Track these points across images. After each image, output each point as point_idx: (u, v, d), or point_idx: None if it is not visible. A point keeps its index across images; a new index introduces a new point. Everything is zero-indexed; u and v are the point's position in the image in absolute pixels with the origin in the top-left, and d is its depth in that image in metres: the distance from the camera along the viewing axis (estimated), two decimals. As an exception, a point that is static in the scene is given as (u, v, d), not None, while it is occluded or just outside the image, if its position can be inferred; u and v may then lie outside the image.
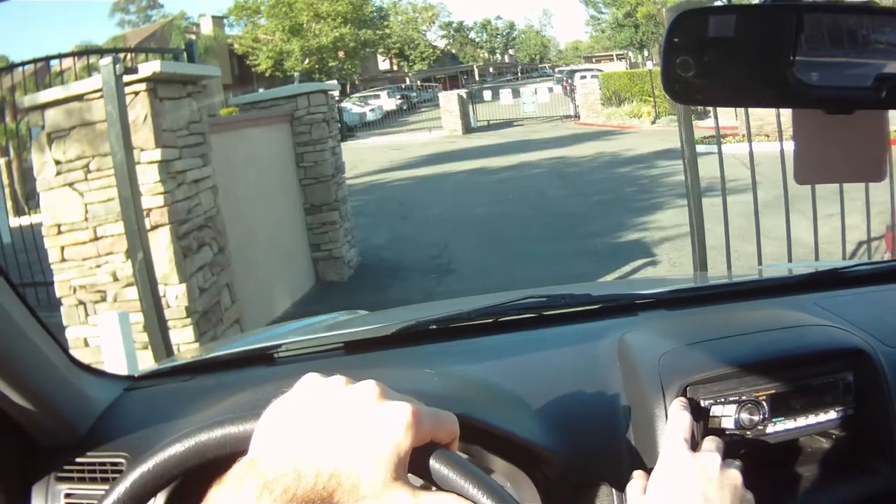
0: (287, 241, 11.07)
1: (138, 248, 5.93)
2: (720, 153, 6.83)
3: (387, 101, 53.44)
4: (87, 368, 1.88)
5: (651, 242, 12.17)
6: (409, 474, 0.85)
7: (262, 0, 49.57)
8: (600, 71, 50.79)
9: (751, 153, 6.75)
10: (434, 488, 0.88)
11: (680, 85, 1.07)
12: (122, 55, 6.71)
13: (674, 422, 1.37)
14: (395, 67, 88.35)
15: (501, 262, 12.11)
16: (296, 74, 46.11)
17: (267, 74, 47.11)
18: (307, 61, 48.01)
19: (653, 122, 32.31)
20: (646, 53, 69.04)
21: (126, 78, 6.33)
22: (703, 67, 1.05)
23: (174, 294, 6.93)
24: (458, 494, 0.86)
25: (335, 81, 40.43)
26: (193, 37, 43.21)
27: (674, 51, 1.06)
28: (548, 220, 14.98)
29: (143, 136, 6.74)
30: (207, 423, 1.07)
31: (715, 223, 12.53)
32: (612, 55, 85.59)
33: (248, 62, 49.80)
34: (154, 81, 6.83)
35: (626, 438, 1.50)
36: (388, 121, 47.01)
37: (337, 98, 40.55)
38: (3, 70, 9.82)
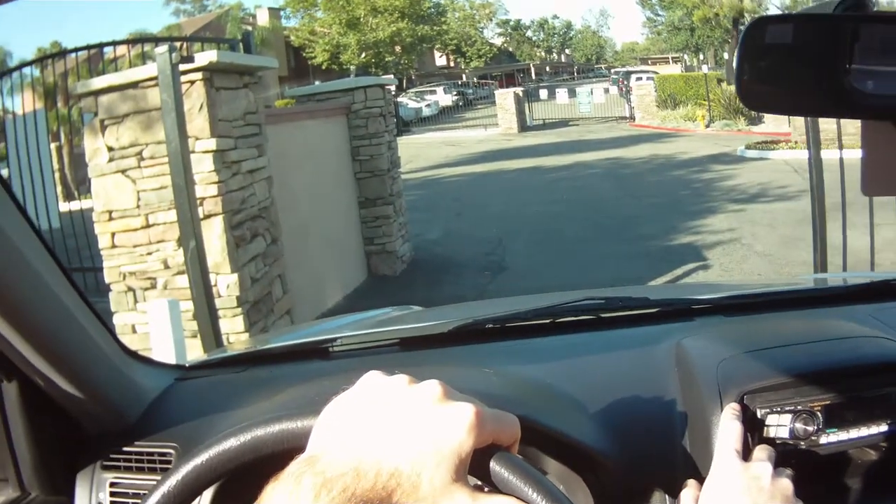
0: (340, 234, 11.01)
1: (191, 236, 5.90)
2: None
3: (443, 97, 53.08)
4: (138, 357, 1.87)
5: (703, 246, 12.02)
6: (468, 476, 0.84)
7: None
8: (655, 73, 50.67)
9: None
10: (492, 490, 0.87)
11: (751, 91, 1.05)
12: (177, 44, 6.63)
13: (726, 430, 1.36)
14: (452, 64, 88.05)
15: (554, 261, 12.03)
16: (352, 68, 46.03)
17: (323, 67, 47.10)
18: (364, 55, 47.86)
19: (706, 126, 32.11)
20: (701, 57, 68.74)
21: (182, 67, 6.29)
22: (772, 74, 1.04)
23: (225, 283, 6.89)
24: (518, 498, 0.86)
25: (392, 76, 40.51)
26: (250, 28, 43.36)
27: (746, 57, 1.04)
28: (601, 221, 14.85)
29: (198, 125, 6.71)
30: (264, 417, 1.07)
31: (765, 229, 12.71)
32: (667, 58, 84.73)
33: (304, 55, 49.73)
34: (210, 71, 6.79)
35: (681, 446, 1.48)
36: (443, 117, 46.91)
37: (393, 93, 40.57)
38: (55, 56, 9.81)
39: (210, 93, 6.77)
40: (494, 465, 0.87)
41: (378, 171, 11.72)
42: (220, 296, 6.80)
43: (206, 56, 6.71)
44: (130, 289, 7.05)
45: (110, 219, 7.03)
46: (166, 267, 6.94)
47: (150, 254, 6.97)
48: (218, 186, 6.78)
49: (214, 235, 6.77)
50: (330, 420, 0.88)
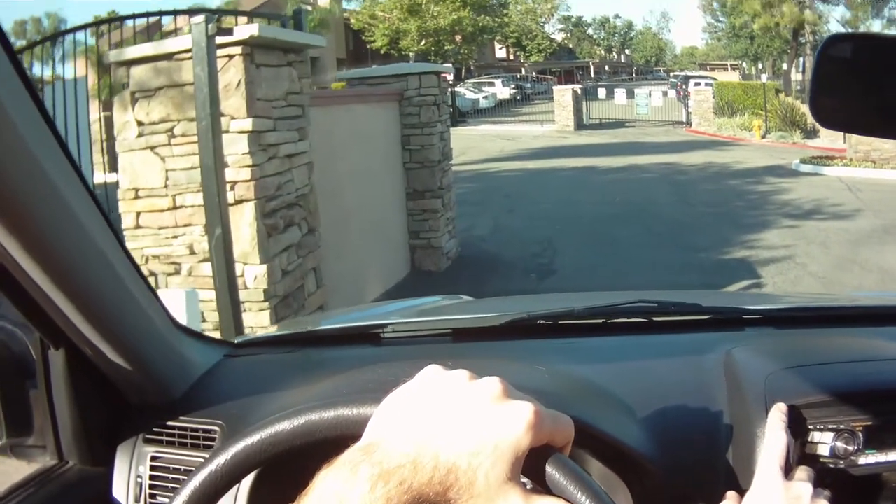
0: (385, 225, 10.58)
1: (217, 222, 5.53)
2: None
3: (501, 90, 52.64)
4: (187, 331, 1.86)
5: (757, 263, 11.63)
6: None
7: None
8: (714, 79, 50.05)
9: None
10: (544, 491, 0.86)
11: (824, 107, 1.07)
12: (217, 17, 6.15)
13: (770, 444, 1.34)
14: (512, 57, 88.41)
15: (604, 267, 11.68)
16: (411, 55, 45.93)
17: (382, 52, 46.98)
18: (423, 42, 47.92)
19: (762, 137, 31.59)
20: (760, 66, 68.91)
21: (220, 40, 5.87)
22: (845, 93, 1.05)
23: (253, 275, 6.41)
24: (570, 502, 0.85)
25: (450, 65, 40.44)
26: (309, 7, 43.22)
27: (821, 74, 1.06)
28: (654, 227, 14.48)
29: (234, 103, 6.22)
30: (319, 402, 1.09)
31: (818, 248, 12.41)
32: (726, 64, 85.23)
33: (363, 38, 49.74)
34: (251, 46, 6.29)
35: (724, 457, 1.48)
36: (500, 109, 46.21)
37: (451, 82, 40.78)
38: (110, 21, 9.41)
39: (249, 69, 6.26)
40: (549, 468, 0.86)
41: (428, 163, 11.25)
42: (246, 287, 6.35)
43: (247, 30, 6.21)
44: (153, 273, 6.59)
45: (136, 197, 6.59)
46: (192, 252, 6.49)
47: (175, 237, 6.53)
48: (251, 170, 6.28)
49: (245, 222, 6.30)
50: (389, 410, 0.88)
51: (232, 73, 6.20)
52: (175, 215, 6.50)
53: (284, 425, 1.07)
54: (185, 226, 6.46)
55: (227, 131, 6.09)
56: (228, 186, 5.98)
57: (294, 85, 7.00)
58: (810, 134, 30.27)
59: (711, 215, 15.72)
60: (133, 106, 6.49)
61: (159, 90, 6.41)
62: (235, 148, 6.20)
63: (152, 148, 6.50)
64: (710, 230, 14.12)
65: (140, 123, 6.49)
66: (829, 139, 27.40)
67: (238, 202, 6.26)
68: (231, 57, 6.20)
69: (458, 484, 0.77)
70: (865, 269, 11.03)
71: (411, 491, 0.75)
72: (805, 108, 30.32)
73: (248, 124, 6.24)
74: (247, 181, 6.27)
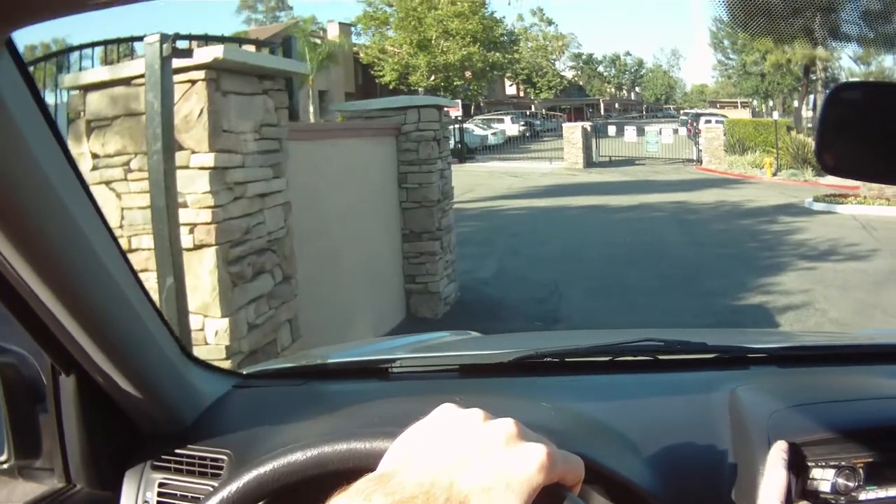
0: (378, 269, 9.84)
1: (169, 271, 4.95)
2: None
3: (510, 127, 52.48)
4: (197, 361, 1.91)
5: (775, 309, 11.02)
6: None
7: (392, 12, 49.99)
8: (725, 117, 50.75)
9: None
10: None
11: (830, 154, 1.09)
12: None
13: (771, 481, 1.38)
14: (522, 94, 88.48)
15: (613, 315, 10.98)
16: (420, 90, 45.90)
17: (391, 87, 46.98)
18: (433, 78, 48.20)
19: (773, 175, 31.44)
20: (770, 103, 69.55)
21: (179, 63, 5.14)
22: (852, 140, 1.07)
23: (214, 329, 5.65)
24: None
25: (458, 100, 40.21)
26: (318, 41, 43.18)
27: (828, 122, 1.08)
28: (665, 270, 13.89)
29: (196, 135, 5.49)
30: (332, 435, 1.17)
31: (837, 292, 11.78)
32: (736, 102, 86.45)
33: (372, 73, 49.90)
34: (217, 70, 5.55)
35: (728, 495, 1.49)
36: (509, 146, 46.01)
37: (459, 118, 40.65)
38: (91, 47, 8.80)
39: (213, 96, 5.51)
40: None
41: (426, 202, 10.51)
42: (206, 343, 5.60)
43: (210, 51, 5.48)
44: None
45: (89, 238, 5.81)
46: (148, 302, 5.69)
47: (131, 284, 5.73)
48: (213, 212, 5.51)
49: (205, 270, 5.55)
50: (404, 443, 0.92)
51: (194, 100, 5.47)
52: (132, 259, 5.67)
53: (297, 456, 1.14)
54: (142, 271, 5.63)
55: (186, 167, 5.40)
56: (187, 230, 5.33)
57: (269, 116, 6.26)
58: (822, 172, 29.27)
59: (725, 257, 15.26)
60: (88, 136, 5.79)
61: (115, 119, 5.70)
62: (195, 186, 5.47)
63: (107, 183, 5.77)
64: (724, 273, 13.63)
65: (95, 156, 5.79)
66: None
67: (198, 247, 5.53)
68: (193, 83, 5.48)
69: None
70: (888, 313, 10.65)
71: None
72: (817, 145, 30.68)
73: (209, 159, 5.49)
74: (207, 224, 5.50)
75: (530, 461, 0.85)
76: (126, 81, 5.62)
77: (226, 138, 5.65)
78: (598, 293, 12.36)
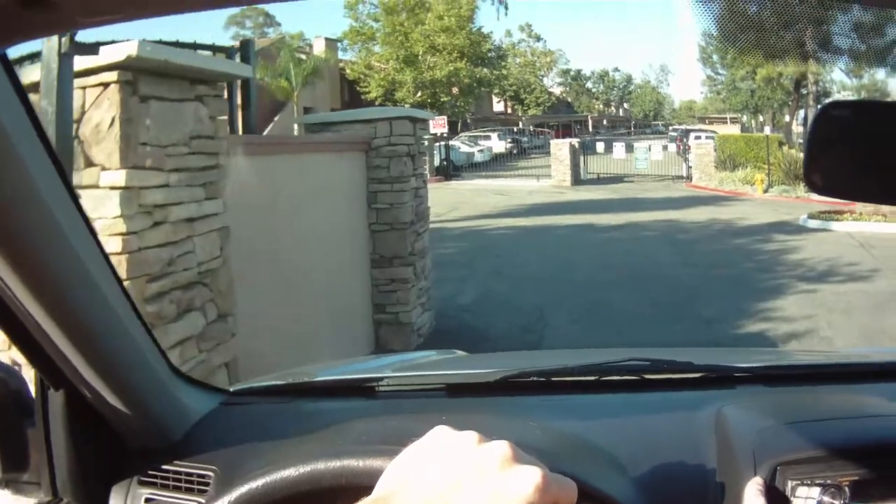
0: (343, 298, 8.99)
1: None
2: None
3: (497, 144, 52.51)
4: (185, 377, 1.90)
5: (777, 337, 10.43)
6: None
7: (378, 27, 49.76)
8: (714, 132, 50.49)
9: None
10: None
11: (817, 173, 1.10)
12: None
13: None
14: (509, 110, 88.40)
15: (602, 345, 10.13)
16: (406, 106, 45.08)
17: (377, 103, 46.21)
18: (419, 94, 48.16)
19: (765, 191, 31.36)
20: (760, 118, 70.12)
21: (85, 64, 4.26)
22: (843, 159, 1.07)
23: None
24: None
25: (444, 117, 39.81)
26: (304, 56, 42.74)
27: (815, 139, 1.09)
28: (658, 296, 13.17)
29: (106, 148, 4.58)
30: (320, 453, 1.26)
31: (841, 317, 10.98)
32: (725, 118, 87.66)
33: (359, 89, 49.47)
34: (133, 71, 4.64)
35: None
36: (496, 163, 45.82)
37: (445, 134, 40.11)
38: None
39: (128, 102, 4.59)
40: None
41: (398, 224, 9.66)
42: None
43: (122, 49, 4.51)
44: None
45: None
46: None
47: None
48: (124, 240, 4.57)
49: (116, 309, 4.59)
50: (400, 466, 0.93)
51: (105, 107, 4.56)
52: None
53: (290, 472, 1.19)
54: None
55: (96, 186, 4.53)
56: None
57: (203, 126, 5.35)
58: None
59: (719, 279, 14.71)
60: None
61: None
62: (104, 210, 4.54)
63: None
64: (720, 298, 12.97)
65: None
66: (834, 193, 26.99)
67: (107, 282, 4.55)
68: (105, 86, 4.58)
69: None
70: (891, 337, 10.24)
71: None
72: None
73: (120, 178, 4.57)
74: (118, 254, 4.56)
75: (525, 483, 0.86)
76: (34, 88, 4.67)
77: (143, 153, 4.76)
78: (585, 321, 11.72)
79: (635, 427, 1.80)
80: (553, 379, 2.09)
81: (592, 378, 2.10)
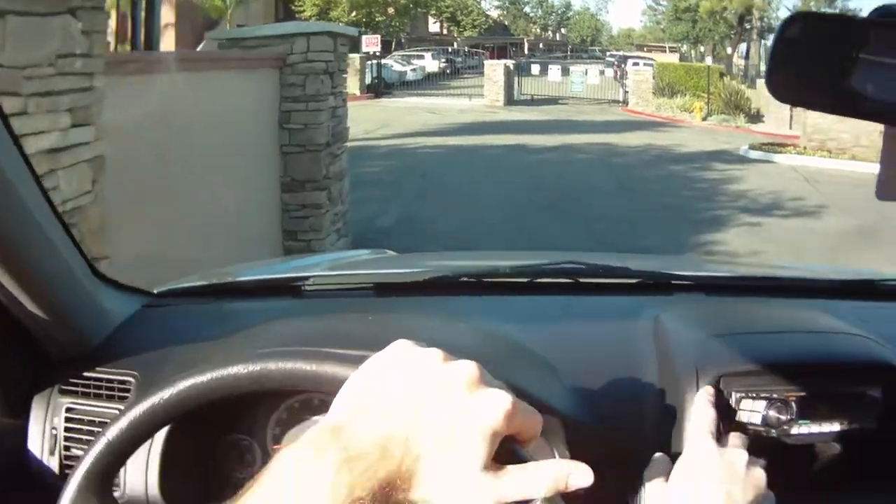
0: (251, 225, 8.56)
1: None
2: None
3: (430, 63, 52.19)
4: (106, 279, 1.83)
5: None
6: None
7: None
8: (654, 60, 50.74)
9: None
10: None
11: (777, 82, 1.06)
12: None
13: (700, 413, 1.36)
14: (445, 31, 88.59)
15: None
16: (341, 24, 44.52)
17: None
18: (354, 13, 47.21)
19: (703, 119, 31.58)
20: (701, 49, 70.30)
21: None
22: (795, 69, 1.05)
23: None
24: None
25: (378, 36, 39.36)
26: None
27: (777, 50, 1.06)
28: (593, 224, 12.77)
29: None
30: (243, 355, 1.16)
31: (792, 256, 10.57)
32: (664, 46, 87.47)
33: (293, 7, 48.81)
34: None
35: (653, 421, 1.48)
36: (428, 83, 45.54)
37: (378, 52, 39.54)
38: None
39: (-26, 16, 4.03)
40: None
41: (312, 146, 9.17)
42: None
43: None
44: None
45: None
46: None
47: None
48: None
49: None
50: (358, 386, 0.86)
51: (-55, 21, 4.02)
52: None
53: (239, 369, 1.10)
54: None
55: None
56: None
57: (72, 43, 4.75)
58: (754, 118, 30.62)
59: (659, 208, 14.38)
60: None
61: None
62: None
63: None
64: (661, 228, 12.63)
65: None
66: (774, 124, 27.28)
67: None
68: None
69: (426, 472, 0.76)
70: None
71: (377, 478, 0.75)
72: (750, 93, 32.73)
73: (-37, 104, 4.00)
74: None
75: (493, 406, 0.81)
76: None
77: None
78: (514, 245, 11.31)
79: (570, 332, 1.78)
80: (485, 280, 2.09)
81: (525, 280, 2.09)
